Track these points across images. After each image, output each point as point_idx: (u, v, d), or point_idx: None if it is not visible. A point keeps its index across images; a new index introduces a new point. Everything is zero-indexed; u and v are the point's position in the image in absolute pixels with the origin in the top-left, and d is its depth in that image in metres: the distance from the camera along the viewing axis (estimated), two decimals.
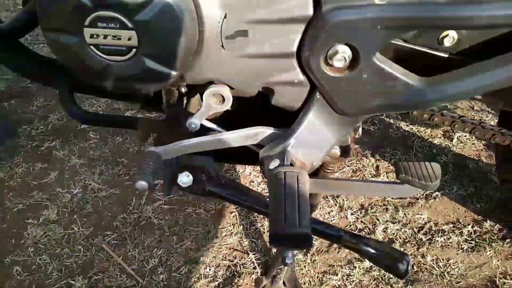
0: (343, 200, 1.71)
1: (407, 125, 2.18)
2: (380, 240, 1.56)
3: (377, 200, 1.75)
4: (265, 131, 0.92)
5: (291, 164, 0.86)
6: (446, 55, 0.80)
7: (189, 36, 0.76)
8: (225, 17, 0.76)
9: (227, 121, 0.97)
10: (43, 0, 0.72)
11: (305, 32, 0.77)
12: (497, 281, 1.48)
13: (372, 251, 0.88)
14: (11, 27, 0.90)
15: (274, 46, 0.79)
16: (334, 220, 1.64)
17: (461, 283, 1.47)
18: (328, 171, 1.12)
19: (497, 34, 0.76)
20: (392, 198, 1.76)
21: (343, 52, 0.75)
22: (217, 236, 1.55)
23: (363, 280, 1.43)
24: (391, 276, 1.45)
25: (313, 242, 1.53)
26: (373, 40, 0.73)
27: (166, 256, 1.47)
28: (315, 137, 0.89)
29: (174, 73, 0.79)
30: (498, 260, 1.55)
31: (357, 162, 1.93)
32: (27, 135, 1.99)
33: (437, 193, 1.80)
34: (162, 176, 1.02)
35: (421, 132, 2.16)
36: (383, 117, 2.24)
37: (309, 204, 1.25)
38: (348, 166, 1.90)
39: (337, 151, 0.99)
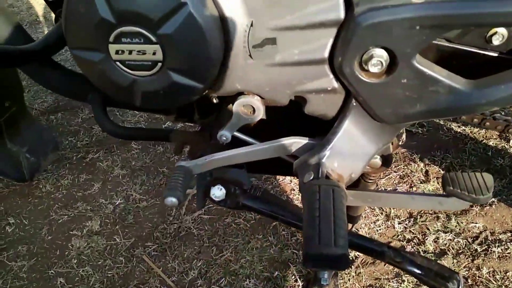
0: (390, 208, 1.63)
1: (459, 126, 2.06)
2: (429, 253, 1.47)
3: (427, 209, 1.65)
4: (299, 142, 0.87)
5: (327, 177, 0.81)
6: (495, 55, 0.73)
7: (214, 47, 0.73)
8: (251, 25, 0.73)
9: (261, 132, 0.93)
10: (68, 19, 0.72)
11: (337, 36, 0.72)
12: None
13: (418, 270, 0.81)
14: (43, 45, 0.91)
15: (305, 53, 0.75)
16: (380, 229, 1.56)
17: None
18: (370, 181, 1.05)
19: None
20: None
21: (379, 56, 0.70)
22: (257, 247, 1.51)
23: None
24: None
25: (358, 254, 1.46)
26: (411, 41, 0.67)
27: (206, 267, 1.45)
28: (352, 147, 0.83)
29: (201, 86, 0.77)
30: None
31: (405, 167, 1.83)
32: (73, 147, 2.05)
33: (493, 199, 1.67)
34: (196, 189, 1.00)
35: (474, 133, 2.03)
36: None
37: (349, 217, 1.20)
38: (395, 172, 1.81)
39: (377, 160, 0.93)
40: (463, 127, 2.05)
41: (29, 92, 2.51)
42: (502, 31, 0.70)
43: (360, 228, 1.57)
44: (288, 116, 0.93)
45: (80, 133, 2.15)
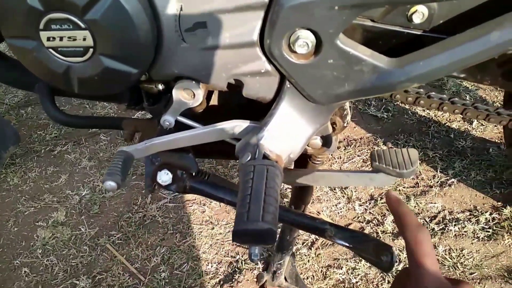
0: (352, 191, 1.66)
1: (424, 110, 2.09)
2: (387, 234, 1.51)
3: (388, 190, 1.69)
4: (241, 125, 0.89)
5: (265, 157, 0.83)
6: (418, 33, 0.75)
7: (144, 32, 0.74)
8: (181, 9, 0.74)
9: (208, 117, 0.95)
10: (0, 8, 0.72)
11: (265, 19, 0.73)
12: None
13: (356, 245, 0.84)
14: None
15: (235, 36, 0.76)
16: (341, 212, 1.59)
17: (475, 274, 1.39)
18: (317, 162, 1.08)
19: (469, 7, 0.70)
20: (404, 187, 1.69)
21: (305, 38, 0.71)
22: (221, 232, 1.53)
23: (369, 274, 1.38)
24: (399, 268, 1.40)
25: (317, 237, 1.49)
26: (332, 22, 0.69)
27: (169, 254, 1.47)
28: (289, 128, 0.85)
29: (135, 71, 0.78)
30: None
31: (368, 151, 1.86)
32: (41, 140, 2.04)
33: (453, 179, 1.72)
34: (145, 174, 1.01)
35: (438, 116, 2.07)
36: (398, 103, 2.16)
37: (301, 197, 1.23)
38: (358, 156, 1.85)
39: (317, 141, 0.95)
40: (427, 111, 2.08)
41: (0, 87, 2.49)
42: (422, 9, 0.72)
43: (322, 211, 1.60)
44: (234, 100, 0.95)
45: (49, 127, 2.14)
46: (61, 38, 0.74)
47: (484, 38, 0.66)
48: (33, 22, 0.72)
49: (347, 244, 0.89)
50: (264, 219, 0.70)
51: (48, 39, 0.74)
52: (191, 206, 1.64)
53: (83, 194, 1.73)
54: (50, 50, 0.75)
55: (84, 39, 0.73)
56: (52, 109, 1.02)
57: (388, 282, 1.37)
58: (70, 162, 1.90)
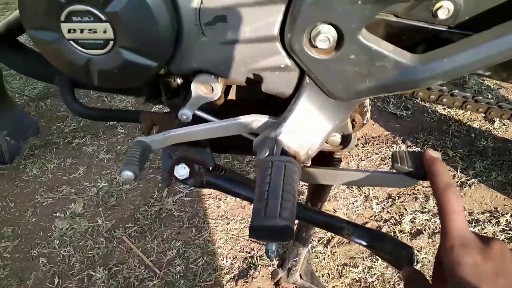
0: (369, 189, 1.64)
1: (444, 109, 2.06)
2: (405, 233, 1.48)
3: (407, 189, 1.66)
4: (259, 120, 0.88)
5: (283, 154, 0.82)
6: (443, 29, 0.73)
7: (164, 25, 0.73)
8: (201, 2, 0.74)
9: (226, 111, 0.94)
10: (21, 0, 0.73)
11: (286, 13, 0.72)
12: None
13: (368, 242, 0.82)
14: (5, 28, 0.92)
15: (255, 30, 0.75)
16: (358, 210, 1.57)
17: None
18: (336, 160, 1.06)
19: (496, 3, 0.68)
20: (423, 187, 1.67)
21: (326, 32, 0.70)
22: (236, 228, 1.53)
23: (385, 273, 1.36)
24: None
25: (334, 235, 1.47)
26: (355, 16, 0.67)
27: (184, 248, 1.48)
28: (308, 124, 0.84)
29: (155, 64, 0.78)
30: None
31: (386, 149, 1.84)
32: (60, 132, 2.07)
33: (473, 180, 1.68)
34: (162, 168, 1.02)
35: (459, 115, 2.03)
36: (417, 100, 2.13)
37: (318, 196, 1.22)
38: (376, 154, 1.82)
39: (336, 138, 0.93)
40: (448, 110, 2.05)
41: (20, 79, 2.53)
42: (448, 4, 0.70)
43: (339, 208, 1.58)
44: (255, 95, 0.94)
45: (68, 119, 2.17)
46: (81, 31, 0.74)
47: (510, 36, 0.64)
48: (54, 14, 0.72)
49: (365, 243, 0.88)
50: (281, 215, 0.69)
51: (69, 31, 0.74)
52: (206, 200, 1.64)
53: (101, 186, 1.74)
54: (71, 42, 0.75)
55: (105, 32, 0.73)
56: (72, 101, 1.02)
57: None
58: (88, 154, 1.92)
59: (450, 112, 2.04)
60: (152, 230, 1.54)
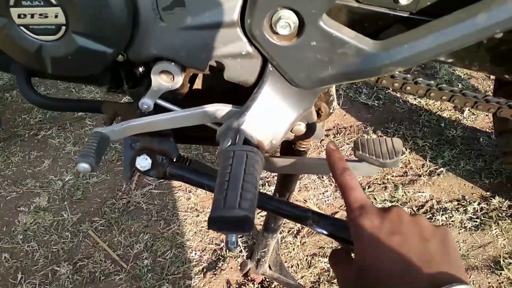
0: None
1: (415, 99, 2.07)
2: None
3: (376, 179, 1.67)
4: (222, 109, 0.86)
5: (246, 143, 0.80)
6: (404, 15, 0.72)
7: (119, 9, 0.70)
8: None
9: (190, 101, 0.92)
10: None
11: None
12: (502, 262, 1.38)
13: (337, 233, 0.82)
14: None
15: (215, 15, 0.73)
16: (328, 200, 1.58)
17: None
18: (302, 149, 1.05)
19: None
20: (392, 176, 1.68)
21: (287, 18, 0.68)
22: (206, 220, 1.51)
23: None
24: None
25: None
26: (315, 1, 0.66)
27: (152, 241, 1.45)
28: (271, 113, 0.82)
29: (110, 50, 0.74)
30: (504, 239, 1.46)
31: (357, 139, 1.84)
32: (25, 124, 2.00)
33: (442, 169, 1.70)
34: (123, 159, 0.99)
35: (429, 105, 2.05)
36: (389, 91, 2.14)
37: (285, 185, 1.20)
38: (347, 144, 1.82)
39: (301, 127, 0.92)
40: (419, 100, 2.06)
41: None
42: None
43: (309, 199, 1.58)
44: (219, 84, 0.92)
45: (34, 111, 2.10)
46: (32, 15, 0.70)
47: (470, 20, 0.63)
48: None
49: (326, 232, 0.87)
50: (241, 206, 0.67)
51: (19, 16, 0.70)
52: (176, 193, 1.61)
53: (67, 179, 1.70)
54: (22, 27, 0.72)
55: (56, 16, 0.69)
56: (28, 90, 0.98)
57: None
58: (54, 146, 1.87)
59: (420, 102, 2.06)
60: (119, 224, 1.51)
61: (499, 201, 1.57)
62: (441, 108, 2.03)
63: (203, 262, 1.38)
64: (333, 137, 1.85)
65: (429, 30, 0.66)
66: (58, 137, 1.91)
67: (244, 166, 0.74)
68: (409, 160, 1.74)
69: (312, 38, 0.70)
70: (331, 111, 1.04)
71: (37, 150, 1.85)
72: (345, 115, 1.99)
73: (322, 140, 1.84)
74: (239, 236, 1.35)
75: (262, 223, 1.18)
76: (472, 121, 1.95)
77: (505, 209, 1.56)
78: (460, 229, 1.49)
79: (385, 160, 0.73)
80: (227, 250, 1.39)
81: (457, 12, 0.64)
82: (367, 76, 0.76)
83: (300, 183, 1.64)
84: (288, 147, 1.07)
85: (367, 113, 2.00)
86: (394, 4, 0.72)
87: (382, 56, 0.69)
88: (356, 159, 0.78)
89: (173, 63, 0.81)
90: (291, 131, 0.91)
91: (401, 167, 1.72)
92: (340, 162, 0.60)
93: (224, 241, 0.83)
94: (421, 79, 0.93)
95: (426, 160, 1.74)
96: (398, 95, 2.11)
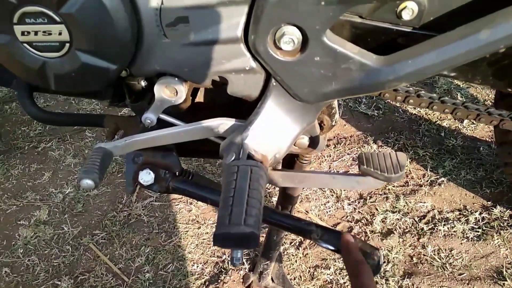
0: (341, 190, 1.64)
1: (414, 108, 2.08)
2: (375, 233, 1.49)
3: (378, 189, 1.67)
4: (226, 123, 0.86)
5: (250, 157, 0.80)
6: (407, 30, 0.72)
7: (123, 26, 0.70)
8: (162, 3, 0.71)
9: (193, 115, 0.92)
10: None
11: (249, 14, 0.70)
12: (504, 272, 1.38)
13: (335, 247, 0.81)
14: None
15: (218, 31, 0.73)
16: (330, 211, 1.57)
17: (464, 274, 1.38)
18: (304, 162, 1.05)
19: (460, 4, 0.68)
20: (393, 186, 1.68)
21: (290, 34, 0.68)
22: (207, 232, 1.51)
23: None
24: (388, 269, 1.38)
25: None
26: (318, 18, 0.66)
27: (154, 254, 1.44)
28: (275, 127, 0.82)
29: (114, 67, 0.75)
30: (506, 249, 1.45)
31: (358, 149, 1.84)
32: (25, 137, 2.00)
33: (442, 179, 1.70)
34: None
35: (429, 115, 2.06)
36: (389, 101, 2.15)
37: (288, 197, 1.20)
38: (348, 154, 1.83)
39: (304, 141, 0.92)
40: (418, 109, 2.07)
41: None
42: (412, 5, 0.69)
43: (311, 210, 1.58)
44: (221, 99, 0.92)
45: (33, 123, 2.09)
46: (36, 33, 0.70)
47: (474, 36, 0.64)
48: (6, 15, 0.68)
49: (332, 248, 0.86)
50: (246, 222, 0.67)
51: (23, 33, 0.71)
52: (177, 205, 1.61)
53: (67, 192, 1.69)
54: (25, 45, 0.72)
55: (60, 34, 0.70)
56: (31, 106, 0.98)
57: (376, 283, 1.35)
58: (54, 159, 1.86)
59: (420, 111, 2.07)
60: (120, 237, 1.50)
61: (500, 211, 1.57)
62: (440, 117, 2.04)
63: (205, 275, 1.38)
64: (333, 148, 1.85)
65: (433, 45, 0.66)
66: (58, 149, 1.90)
67: (248, 181, 0.74)
68: (410, 170, 1.74)
69: (315, 54, 0.70)
70: (333, 123, 1.04)
71: (37, 163, 1.84)
72: (345, 125, 2.00)
73: (323, 150, 1.84)
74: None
75: (264, 235, 1.17)
76: (472, 130, 1.96)
77: (506, 218, 1.56)
78: (462, 240, 1.48)
79: (390, 175, 0.73)
80: (232, 265, 1.38)
81: (461, 28, 0.65)
82: (371, 91, 0.77)
83: (301, 194, 1.64)
84: (291, 160, 1.07)
85: (367, 123, 2.00)
86: (397, 20, 0.72)
87: (386, 71, 0.69)
88: (360, 173, 0.78)
89: (176, 78, 0.81)
90: (294, 145, 0.91)
91: None
92: (355, 254, 0.63)
93: (229, 256, 0.83)
94: (423, 92, 0.94)
95: (427, 170, 1.74)
96: (398, 105, 2.11)
